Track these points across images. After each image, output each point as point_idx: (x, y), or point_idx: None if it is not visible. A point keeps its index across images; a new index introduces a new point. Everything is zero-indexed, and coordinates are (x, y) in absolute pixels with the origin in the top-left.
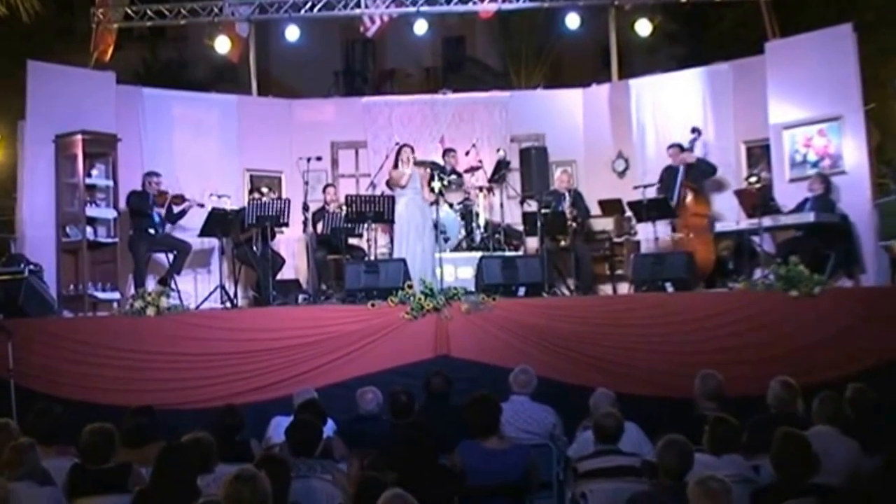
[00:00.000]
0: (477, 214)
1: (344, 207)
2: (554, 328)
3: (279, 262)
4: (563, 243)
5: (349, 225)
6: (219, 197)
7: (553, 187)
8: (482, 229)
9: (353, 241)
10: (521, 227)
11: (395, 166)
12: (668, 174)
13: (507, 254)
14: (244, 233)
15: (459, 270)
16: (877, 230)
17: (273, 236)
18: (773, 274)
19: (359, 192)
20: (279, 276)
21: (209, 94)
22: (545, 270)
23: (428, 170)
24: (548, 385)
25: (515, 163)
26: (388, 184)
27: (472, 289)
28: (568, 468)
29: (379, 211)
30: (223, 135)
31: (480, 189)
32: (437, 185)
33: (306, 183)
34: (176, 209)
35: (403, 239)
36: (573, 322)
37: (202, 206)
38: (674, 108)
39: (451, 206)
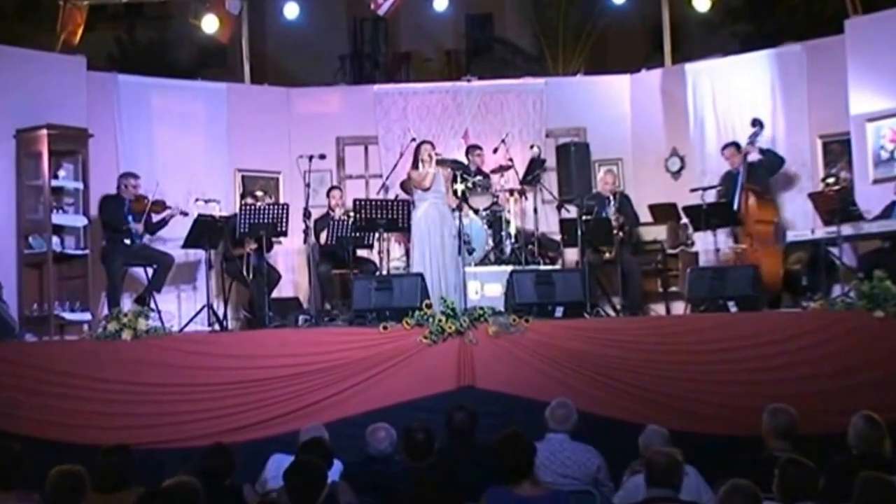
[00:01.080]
0: (507, 222)
1: (351, 214)
2: (597, 354)
3: (275, 277)
4: (607, 255)
5: (357, 234)
6: (206, 202)
7: (596, 190)
8: (513, 239)
9: (361, 252)
10: (558, 237)
11: (415, 166)
12: (729, 179)
13: (543, 268)
14: (235, 244)
15: (486, 287)
16: None
17: (269, 248)
18: (854, 291)
19: (369, 195)
20: (276, 294)
21: (195, 81)
22: (586, 287)
23: (450, 170)
24: (590, 421)
25: (551, 161)
26: (404, 186)
27: (502, 309)
28: None
29: (392, 218)
30: (211, 129)
31: (511, 192)
32: (460, 187)
33: (308, 185)
34: (156, 217)
35: (422, 250)
36: (620, 347)
37: (186, 214)
38: (737, 96)
39: (476, 212)
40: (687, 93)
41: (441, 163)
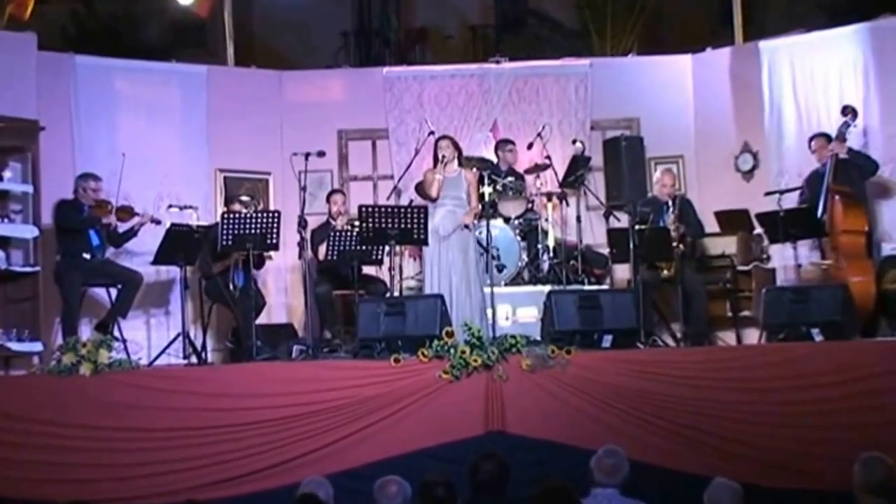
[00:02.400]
0: (544, 232)
1: (356, 223)
2: (653, 393)
3: (260, 302)
4: (665, 273)
5: (363, 248)
6: (181, 209)
7: (651, 194)
8: (551, 253)
9: (368, 270)
10: (605, 251)
11: (434, 165)
12: (816, 179)
13: (587, 288)
14: (217, 259)
15: (519, 311)
16: None
17: (258, 264)
18: None
19: (377, 200)
20: (264, 320)
21: (167, 63)
22: (640, 311)
23: (475, 170)
24: (645, 473)
25: (597, 159)
26: (420, 189)
27: (537, 337)
28: None
29: (406, 227)
30: (187, 121)
31: (549, 197)
32: (487, 191)
33: (303, 189)
34: (122, 226)
35: (435, 268)
36: (681, 384)
37: (158, 222)
38: (823, 80)
39: (507, 220)
40: (762, 76)
41: (465, 162)
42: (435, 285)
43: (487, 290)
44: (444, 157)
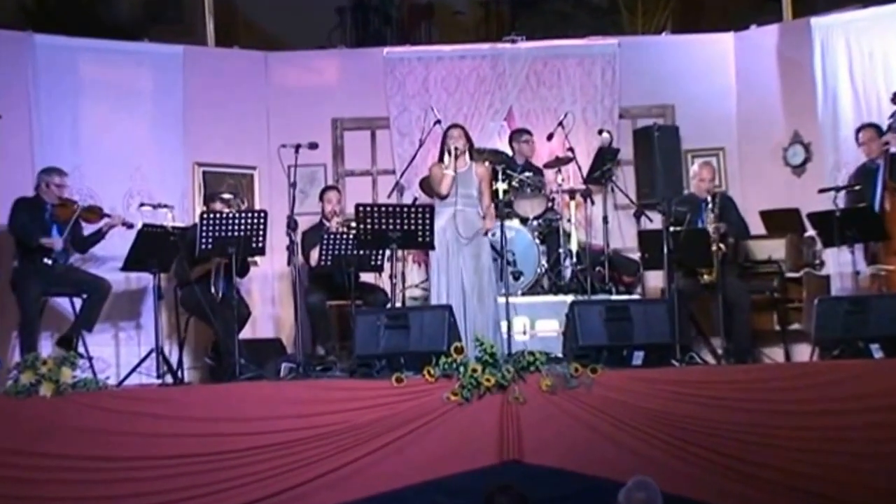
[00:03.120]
0: (566, 235)
1: (353, 224)
2: (690, 417)
3: (244, 313)
4: (705, 278)
5: (361, 252)
6: (154, 208)
7: (688, 191)
8: (574, 258)
9: (366, 277)
10: (636, 255)
11: (441, 158)
12: (864, 176)
13: (616, 297)
14: (195, 265)
15: (539, 324)
16: None
17: (243, 271)
18: None
19: (377, 199)
20: (248, 334)
21: (139, 43)
22: (676, 324)
23: (488, 164)
24: None
25: (627, 152)
26: (425, 186)
27: (559, 354)
28: None
29: (409, 229)
30: (161, 109)
31: (571, 194)
32: (501, 188)
33: (293, 185)
34: (88, 228)
35: (441, 275)
36: (721, 408)
37: (130, 226)
38: (883, 62)
39: (524, 221)
40: (813, 57)
41: (477, 155)
42: (442, 295)
43: (502, 300)
44: (456, 149)
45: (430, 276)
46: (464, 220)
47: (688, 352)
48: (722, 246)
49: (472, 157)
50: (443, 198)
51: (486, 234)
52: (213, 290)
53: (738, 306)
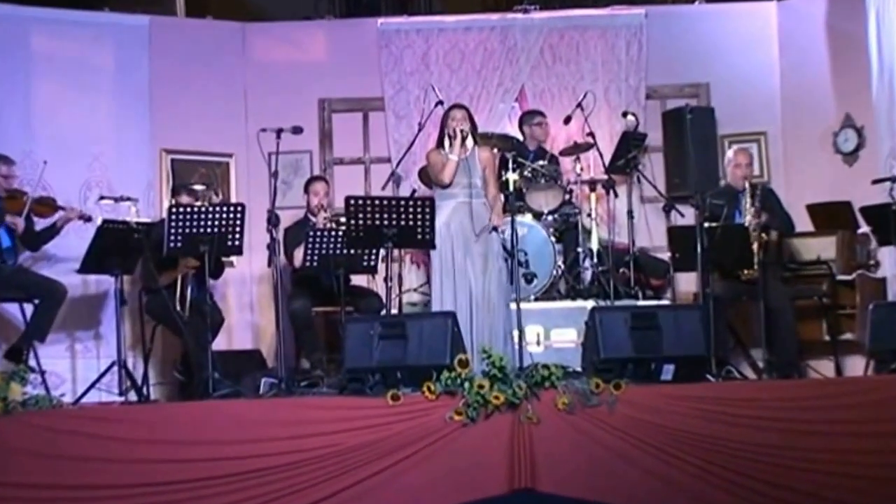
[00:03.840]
0: (586, 232)
1: (343, 220)
2: (726, 440)
3: (218, 320)
4: (746, 273)
5: (352, 252)
6: (116, 201)
7: (725, 181)
8: (595, 258)
9: (358, 280)
10: (665, 255)
11: (441, 144)
12: None
13: (642, 303)
14: (162, 266)
15: (554, 334)
16: None
17: (217, 272)
18: None
19: (370, 190)
20: (222, 345)
21: (99, 12)
22: (712, 333)
23: (496, 150)
24: None
25: (656, 137)
26: (425, 176)
27: (578, 368)
28: None
29: (407, 225)
30: (124, 87)
31: (592, 185)
32: (512, 178)
33: (274, 175)
34: (40, 223)
35: (444, 277)
36: (762, 429)
37: (88, 219)
38: None
39: (537, 216)
40: (868, 29)
41: (483, 141)
42: (446, 300)
43: (513, 306)
44: (461, 131)
45: (431, 278)
46: (470, 213)
47: (725, 365)
48: (765, 235)
49: (475, 141)
50: (445, 187)
51: (493, 230)
52: (182, 294)
53: (780, 313)
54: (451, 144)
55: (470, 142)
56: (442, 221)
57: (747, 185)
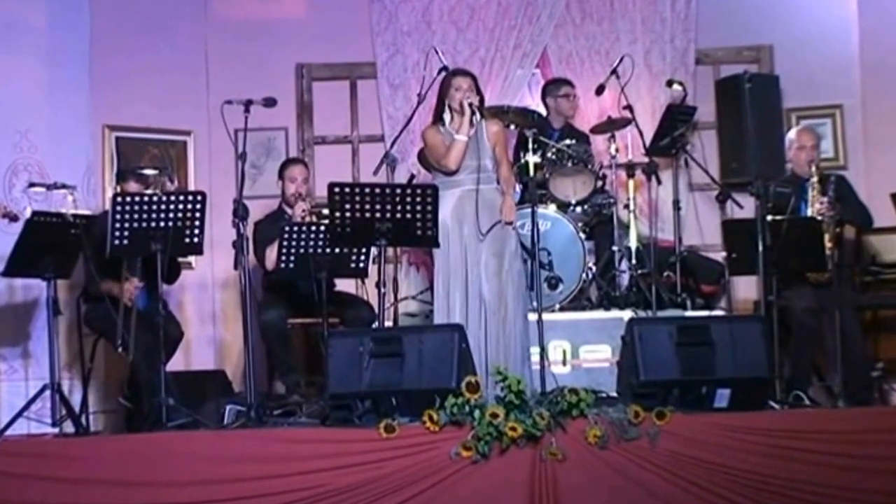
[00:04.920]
0: (623, 226)
1: (325, 211)
2: (794, 480)
3: (174, 334)
4: (814, 277)
5: (337, 251)
6: (48, 189)
7: (791, 167)
8: (633, 259)
9: (344, 285)
10: (719, 255)
11: (439, 120)
12: None
13: (690, 314)
14: (105, 269)
15: (583, 351)
16: None
17: (172, 276)
18: None
19: (358, 176)
20: (179, 365)
21: None
22: (776, 350)
23: (513, 128)
24: None
25: (707, 111)
26: (425, 158)
27: (612, 392)
28: None
29: (405, 219)
30: (59, 52)
31: (629, 170)
32: (532, 160)
33: (242, 158)
34: None
35: (450, 280)
36: (836, 467)
37: (14, 218)
38: None
39: (564, 207)
40: None
41: (495, 115)
42: (453, 310)
43: (533, 316)
44: (471, 105)
45: (434, 283)
46: (482, 203)
47: (793, 389)
48: (835, 244)
49: (481, 115)
50: (450, 173)
51: (505, 225)
52: (126, 303)
53: (851, 326)
54: (454, 120)
55: (476, 116)
56: (446, 214)
57: (814, 170)
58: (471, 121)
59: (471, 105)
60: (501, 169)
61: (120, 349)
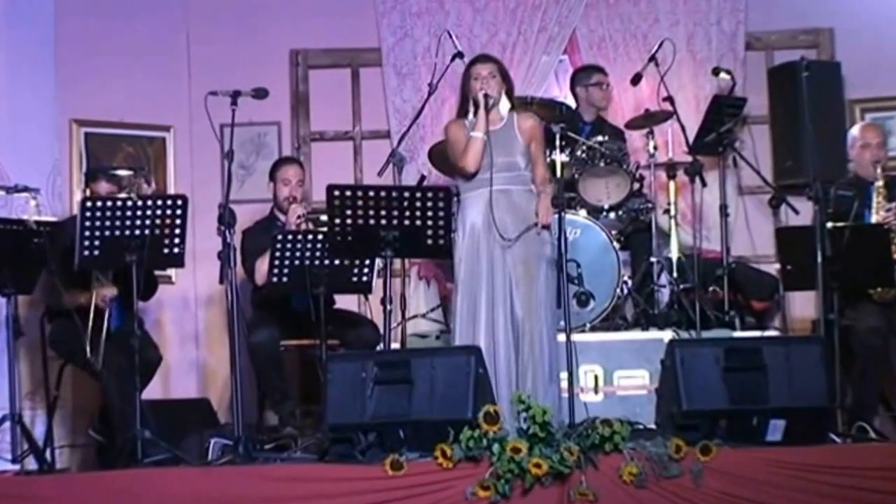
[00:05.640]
0: (663, 234)
1: (324, 218)
2: None
3: (151, 358)
4: (878, 294)
5: (337, 263)
6: (8, 192)
7: (853, 168)
8: (674, 272)
9: (344, 301)
10: (772, 268)
11: (462, 112)
12: None
13: (740, 335)
14: (72, 283)
15: (618, 376)
16: None
17: (148, 292)
18: None
19: (360, 178)
20: (158, 392)
21: None
22: (837, 377)
23: (538, 122)
24: None
25: (759, 102)
26: (437, 157)
27: (651, 424)
28: None
29: (414, 226)
30: (20, 37)
31: (670, 171)
32: (559, 160)
33: (228, 156)
34: None
35: (476, 297)
36: None
37: None
38: None
39: (595, 212)
40: None
41: (523, 106)
42: (479, 331)
43: (561, 337)
44: (486, 97)
45: (454, 301)
46: (509, 205)
47: (857, 420)
48: None
49: (511, 105)
50: (470, 175)
51: (541, 230)
52: (101, 321)
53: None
54: (474, 114)
55: (505, 106)
56: (475, 218)
57: (879, 172)
58: (487, 115)
59: (485, 97)
60: (537, 169)
61: (89, 356)
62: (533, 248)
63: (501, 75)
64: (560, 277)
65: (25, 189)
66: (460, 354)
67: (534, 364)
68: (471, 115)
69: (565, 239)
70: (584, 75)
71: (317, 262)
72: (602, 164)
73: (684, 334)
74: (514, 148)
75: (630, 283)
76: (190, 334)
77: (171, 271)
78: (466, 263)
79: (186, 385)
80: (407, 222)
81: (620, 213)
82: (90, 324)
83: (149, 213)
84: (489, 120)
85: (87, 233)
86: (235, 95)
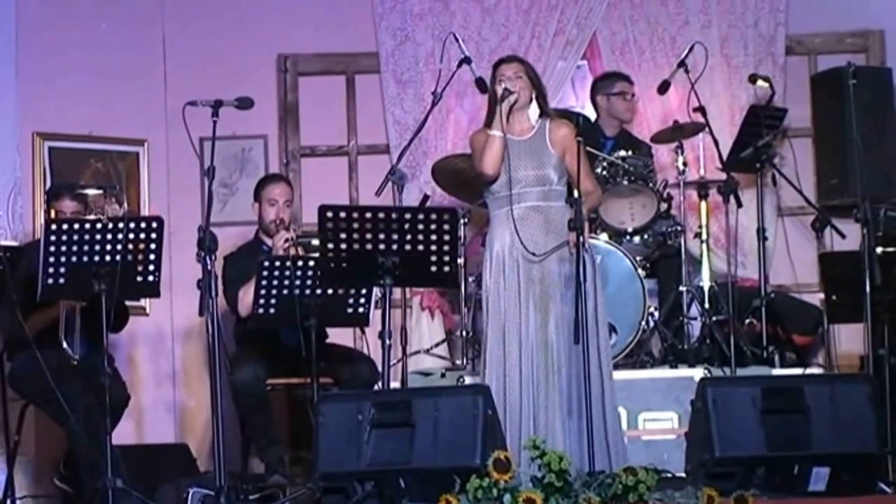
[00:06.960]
0: (694, 261)
1: (315, 243)
2: None
3: (119, 397)
4: None
5: (330, 293)
6: None
7: None
8: (706, 303)
9: (338, 336)
10: (816, 299)
11: (489, 122)
12: None
13: (779, 372)
14: (32, 312)
15: (643, 419)
16: None
17: (119, 323)
18: None
19: (357, 197)
20: (131, 436)
21: None
22: (888, 420)
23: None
24: None
25: (801, 112)
26: (441, 174)
27: (680, 472)
28: None
29: (416, 251)
30: None
31: (701, 190)
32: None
33: (209, 173)
34: None
35: (519, 333)
36: None
37: None
38: None
39: (619, 237)
40: None
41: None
42: (511, 371)
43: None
44: (506, 90)
45: (485, 339)
46: (543, 224)
47: None
48: None
49: (543, 113)
50: (489, 182)
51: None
52: (66, 354)
53: None
54: (503, 112)
55: (534, 112)
56: (502, 244)
57: None
58: (509, 112)
59: (505, 91)
60: (582, 182)
61: (64, 346)
62: (557, 273)
63: (529, 77)
64: (578, 308)
65: None
66: (467, 394)
67: (550, 403)
68: (497, 120)
69: (584, 266)
70: (605, 83)
71: (307, 292)
72: (626, 183)
73: (717, 372)
74: (546, 159)
75: (657, 314)
76: (166, 372)
77: (144, 302)
78: (494, 293)
79: (162, 429)
80: (408, 247)
81: (646, 236)
82: (62, 309)
83: (120, 236)
84: (518, 129)
85: (51, 259)
86: (217, 106)
